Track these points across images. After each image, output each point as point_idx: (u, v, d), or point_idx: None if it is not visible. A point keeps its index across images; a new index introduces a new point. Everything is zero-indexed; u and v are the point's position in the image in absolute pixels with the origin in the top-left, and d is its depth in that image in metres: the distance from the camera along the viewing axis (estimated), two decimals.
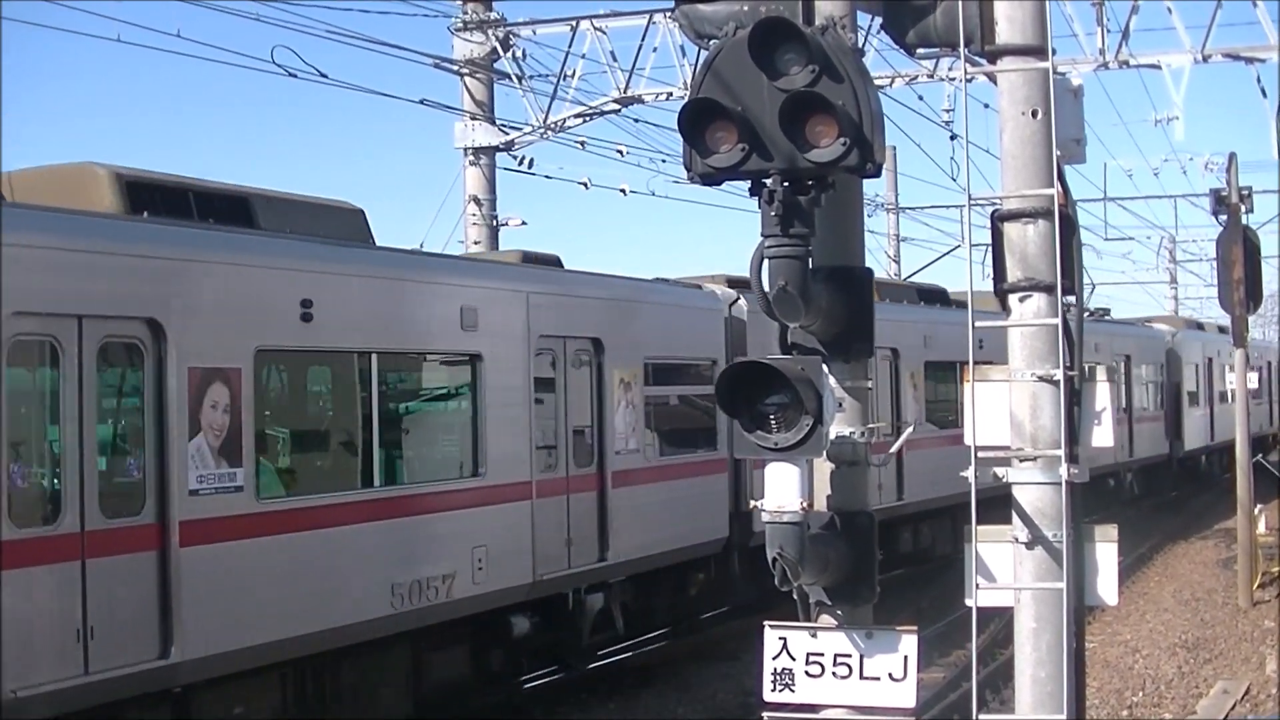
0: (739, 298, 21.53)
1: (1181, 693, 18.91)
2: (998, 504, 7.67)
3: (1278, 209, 71.13)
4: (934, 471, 24.76)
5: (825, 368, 6.93)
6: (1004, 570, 7.65)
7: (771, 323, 7.28)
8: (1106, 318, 40.79)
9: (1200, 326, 50.46)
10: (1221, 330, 44.60)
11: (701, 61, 7.05)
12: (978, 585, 7.61)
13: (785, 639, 7.46)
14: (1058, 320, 7.51)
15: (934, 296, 29.59)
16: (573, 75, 26.61)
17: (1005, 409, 7.59)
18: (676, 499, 20.22)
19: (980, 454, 7.52)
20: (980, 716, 7.92)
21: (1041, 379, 7.50)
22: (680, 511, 20.35)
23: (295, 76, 21.44)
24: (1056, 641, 7.50)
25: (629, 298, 20.08)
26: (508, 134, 27.10)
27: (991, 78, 7.80)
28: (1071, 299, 7.71)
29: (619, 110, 27.04)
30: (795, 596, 7.48)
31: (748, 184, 6.94)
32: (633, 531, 19.14)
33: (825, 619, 7.52)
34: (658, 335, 20.33)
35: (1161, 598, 26.58)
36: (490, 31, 26.35)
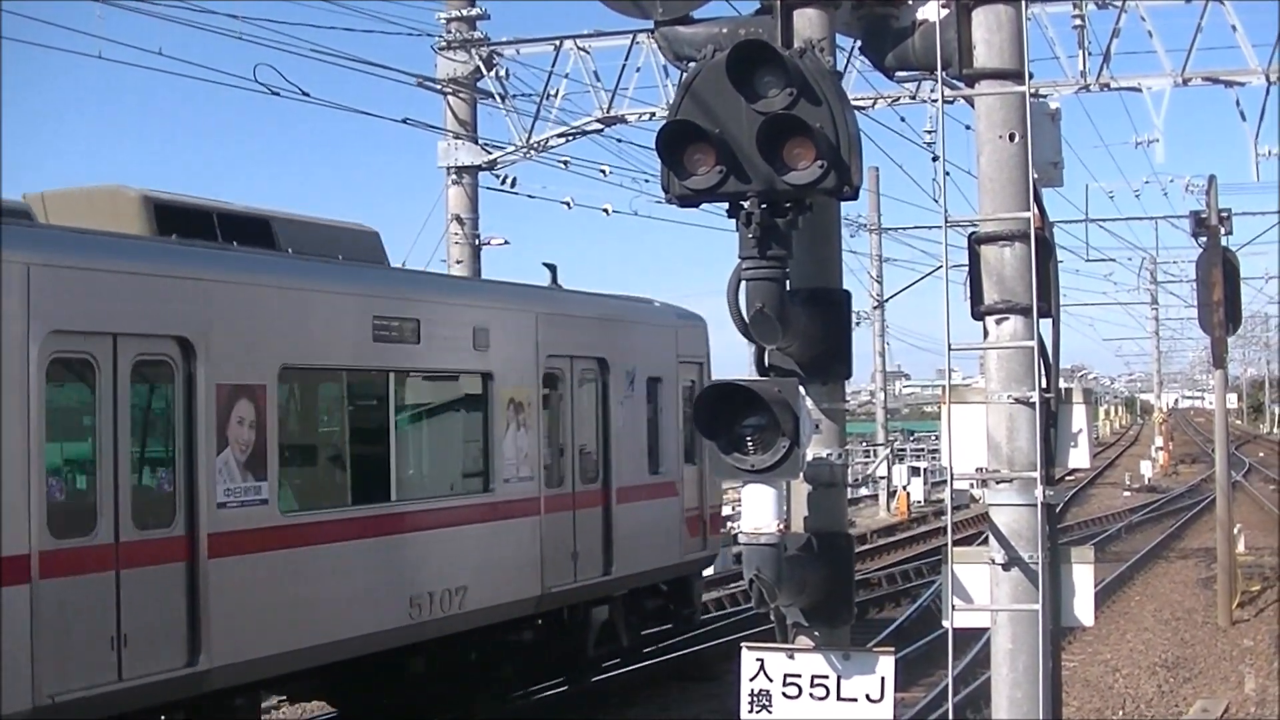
0: None
1: (1161, 711, 18.96)
2: None
3: (1260, 231, 71.37)
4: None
5: (802, 390, 6.95)
6: (981, 591, 7.67)
7: None
8: None
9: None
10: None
11: (680, 83, 7.07)
12: (954, 606, 7.63)
13: (762, 660, 7.45)
14: (1034, 342, 7.54)
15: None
16: (556, 95, 26.59)
17: (982, 431, 7.62)
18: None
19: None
20: None
21: (1018, 401, 7.53)
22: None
23: (278, 95, 21.47)
24: (1033, 663, 7.52)
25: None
26: (491, 153, 27.07)
27: (969, 101, 7.83)
28: (1048, 321, 7.74)
29: (602, 130, 27.03)
30: (773, 618, 7.49)
31: (726, 205, 6.96)
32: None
33: (803, 640, 7.53)
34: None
35: (1142, 617, 26.62)
36: (474, 51, 26.34)
